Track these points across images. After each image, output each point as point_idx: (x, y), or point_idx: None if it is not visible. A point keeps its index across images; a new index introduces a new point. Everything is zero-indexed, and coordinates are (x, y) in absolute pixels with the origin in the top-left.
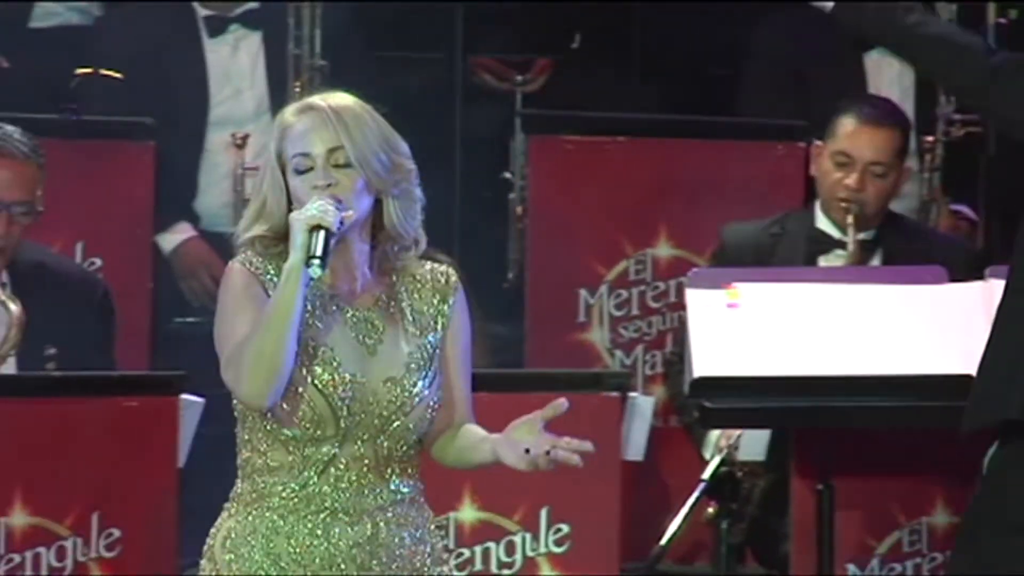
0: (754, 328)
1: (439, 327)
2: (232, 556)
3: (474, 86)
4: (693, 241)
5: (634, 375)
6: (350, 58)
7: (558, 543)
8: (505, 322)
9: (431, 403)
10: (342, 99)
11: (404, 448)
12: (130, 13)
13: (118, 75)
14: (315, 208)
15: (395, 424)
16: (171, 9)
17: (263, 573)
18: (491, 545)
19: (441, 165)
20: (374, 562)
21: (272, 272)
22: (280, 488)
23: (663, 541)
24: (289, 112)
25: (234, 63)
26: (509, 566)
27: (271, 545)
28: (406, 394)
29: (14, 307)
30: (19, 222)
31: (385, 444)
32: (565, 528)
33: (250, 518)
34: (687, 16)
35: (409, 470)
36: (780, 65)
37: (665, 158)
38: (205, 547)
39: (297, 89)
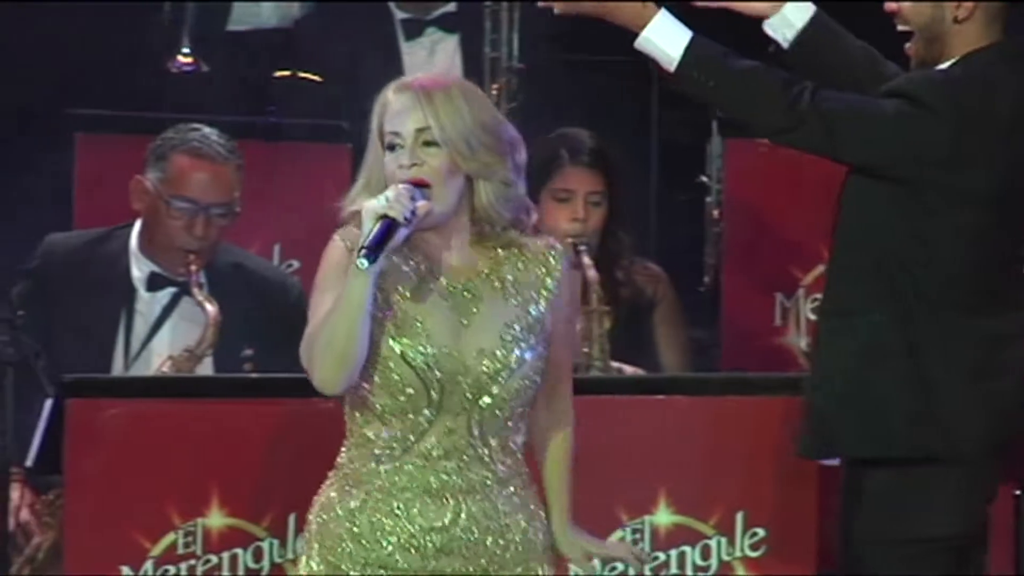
0: None
1: (542, 300)
2: (319, 524)
3: (670, 89)
4: None
5: None
6: (546, 61)
7: (754, 547)
8: (701, 326)
9: (529, 374)
10: (439, 79)
11: (500, 424)
12: (328, 16)
13: (316, 78)
14: (385, 197)
15: (488, 395)
16: (368, 12)
17: (344, 548)
18: (686, 549)
19: (637, 169)
20: (454, 546)
21: None
22: (369, 462)
23: None
24: (390, 89)
25: (431, 66)
26: (704, 570)
27: (354, 519)
28: (499, 364)
29: (210, 308)
30: (217, 223)
31: (480, 418)
32: (761, 532)
33: (340, 490)
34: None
35: (507, 451)
36: None
37: None
38: (309, 512)
39: (495, 92)
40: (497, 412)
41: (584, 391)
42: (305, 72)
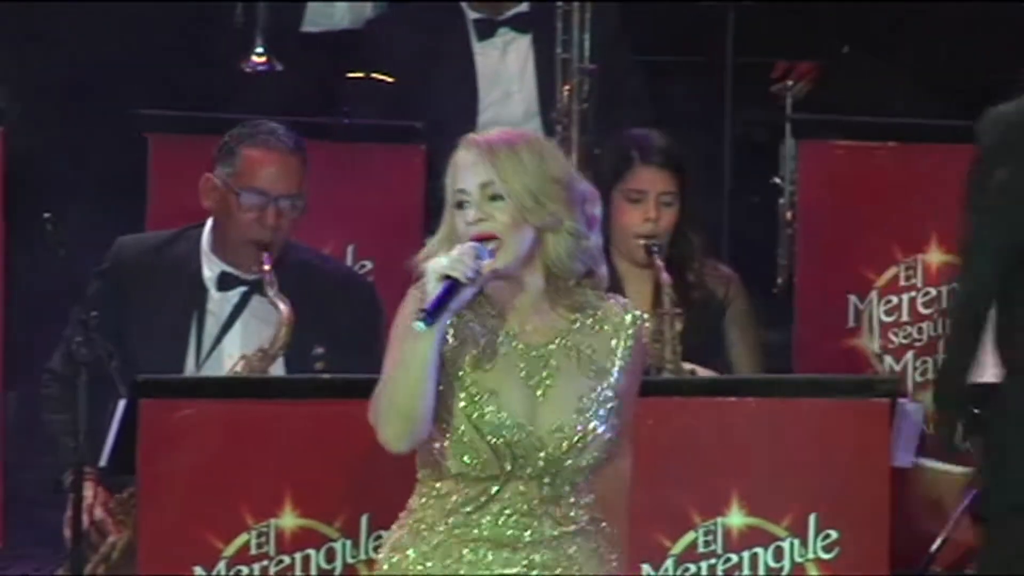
0: None
1: (615, 368)
2: (391, 564)
3: (744, 90)
4: None
5: (904, 381)
6: (616, 61)
7: (827, 549)
8: (774, 327)
9: (602, 447)
10: (506, 135)
11: (572, 486)
12: (401, 16)
13: (388, 79)
14: (448, 257)
15: (561, 468)
16: (441, 12)
17: None
18: (759, 550)
19: (710, 170)
20: None
21: None
22: (443, 514)
23: (934, 548)
24: (460, 146)
25: (503, 66)
26: (777, 572)
27: (426, 562)
28: (574, 439)
29: (283, 306)
30: (287, 215)
31: (552, 483)
32: (834, 534)
33: (412, 534)
34: (965, 17)
35: (580, 508)
36: None
37: (936, 164)
38: (380, 550)
39: (566, 92)
40: (569, 480)
41: (656, 393)
42: (378, 73)
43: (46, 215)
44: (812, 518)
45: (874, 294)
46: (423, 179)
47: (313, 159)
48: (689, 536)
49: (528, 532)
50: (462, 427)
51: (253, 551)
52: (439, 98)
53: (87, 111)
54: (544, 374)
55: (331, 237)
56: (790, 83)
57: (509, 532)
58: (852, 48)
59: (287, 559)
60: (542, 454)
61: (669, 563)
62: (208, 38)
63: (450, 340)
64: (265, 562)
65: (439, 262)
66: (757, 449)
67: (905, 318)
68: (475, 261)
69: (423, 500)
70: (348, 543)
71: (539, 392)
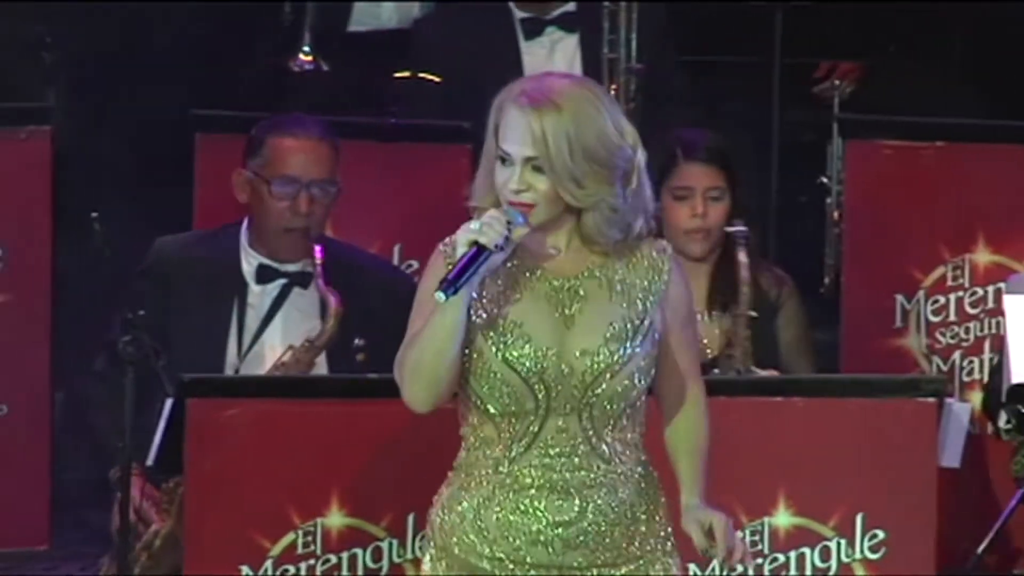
0: None
1: (649, 302)
2: (443, 521)
3: (791, 90)
4: (1012, 247)
5: (951, 381)
6: (663, 61)
7: (873, 549)
8: (822, 327)
9: (635, 372)
10: (555, 91)
11: (613, 420)
12: (448, 16)
13: (435, 78)
14: (479, 222)
15: (595, 395)
16: (488, 12)
17: (469, 543)
18: (806, 550)
19: (758, 170)
20: (580, 540)
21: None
22: (490, 462)
23: (981, 548)
24: (510, 94)
25: (550, 65)
26: (824, 572)
27: (478, 518)
28: (603, 363)
29: (333, 299)
30: (320, 201)
31: (590, 415)
32: (881, 534)
33: (463, 489)
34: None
35: (625, 443)
36: None
37: (984, 163)
38: (430, 511)
39: (613, 91)
40: (606, 409)
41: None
42: (425, 72)
43: (94, 215)
44: (859, 518)
45: (921, 294)
46: (470, 179)
47: (360, 159)
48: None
49: (577, 473)
50: (492, 363)
51: (300, 550)
52: (486, 98)
53: (135, 110)
54: (575, 305)
55: (378, 237)
56: (836, 82)
57: (556, 475)
58: (899, 48)
59: (334, 558)
60: (574, 381)
61: (716, 563)
62: (256, 37)
63: (480, 284)
64: (312, 561)
65: (469, 227)
66: (804, 449)
67: (952, 318)
68: (505, 226)
69: (467, 453)
70: (395, 542)
71: (568, 321)
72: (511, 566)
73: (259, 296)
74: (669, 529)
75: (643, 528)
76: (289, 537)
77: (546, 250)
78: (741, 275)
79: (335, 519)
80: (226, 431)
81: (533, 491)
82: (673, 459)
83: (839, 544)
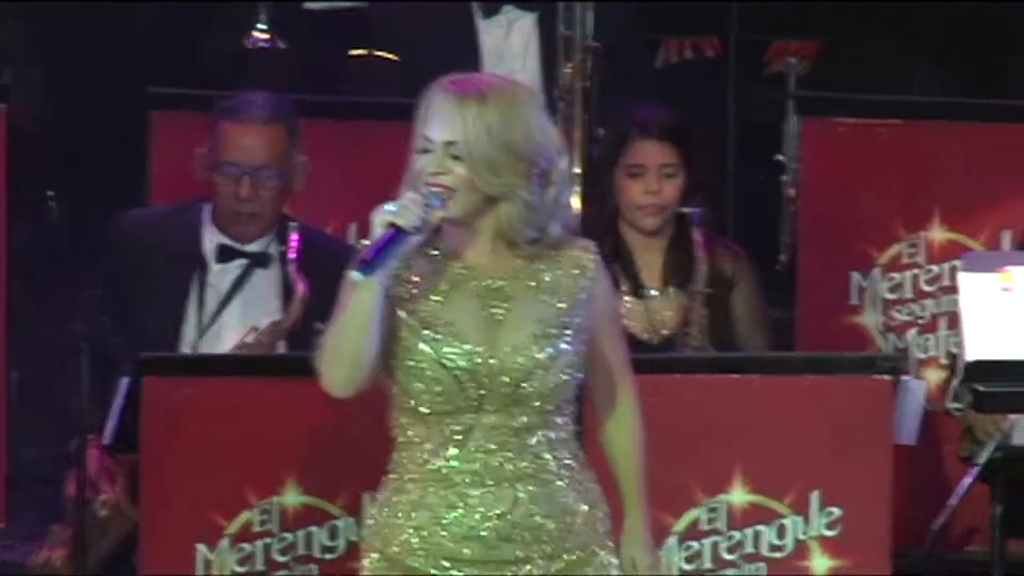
0: None
1: (577, 298)
2: (383, 524)
3: (748, 67)
4: (968, 224)
5: (907, 359)
6: (622, 39)
7: (829, 527)
8: (778, 304)
9: (566, 370)
10: (480, 85)
11: (543, 416)
12: None
13: (392, 56)
14: (396, 204)
15: (526, 392)
16: None
17: (405, 542)
18: (762, 528)
19: (714, 148)
20: (514, 532)
21: None
22: (421, 461)
23: (937, 526)
24: (441, 84)
25: (507, 44)
26: (780, 549)
27: (413, 514)
28: (532, 361)
29: (301, 285)
30: (266, 186)
31: (520, 413)
32: (837, 512)
33: (397, 490)
34: None
35: (557, 438)
36: None
37: (939, 141)
38: (367, 515)
39: (568, 70)
40: (537, 406)
41: (659, 370)
42: (381, 51)
43: (49, 193)
44: (815, 496)
45: (877, 271)
46: None
47: (316, 137)
48: (692, 514)
49: (508, 467)
50: (424, 363)
51: (256, 528)
52: (443, 76)
53: (89, 88)
54: (504, 305)
55: (334, 216)
56: (792, 60)
57: (488, 469)
58: (858, 26)
59: (290, 537)
60: (505, 378)
61: (672, 541)
62: (211, 14)
63: (404, 280)
64: (268, 539)
65: (386, 208)
66: (760, 427)
67: (908, 295)
68: (424, 209)
69: (399, 454)
70: (351, 520)
71: (497, 320)
72: (447, 564)
73: (219, 275)
74: (609, 525)
75: (580, 521)
76: (245, 515)
77: (471, 250)
78: (696, 254)
79: (291, 498)
80: (182, 410)
81: (465, 486)
82: (615, 471)
83: (795, 522)
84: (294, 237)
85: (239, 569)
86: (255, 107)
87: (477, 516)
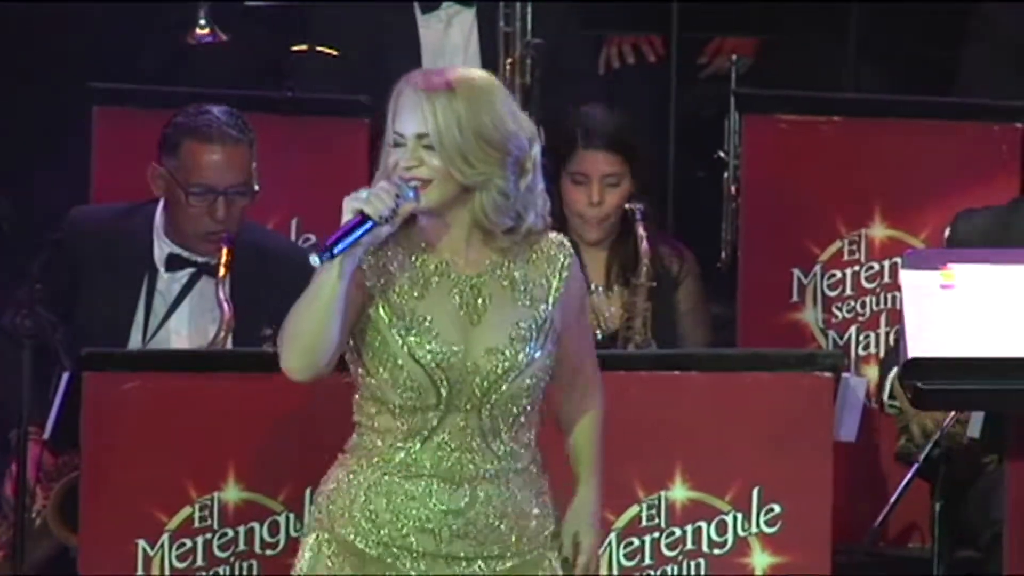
0: (969, 309)
1: (551, 298)
2: (335, 504)
3: (689, 64)
4: (908, 221)
5: (847, 355)
6: (564, 36)
7: (770, 523)
8: (719, 301)
9: (538, 373)
10: (448, 78)
11: (511, 419)
12: None
13: (333, 52)
14: (367, 191)
15: (497, 394)
16: None
17: (356, 526)
18: (702, 524)
19: (655, 145)
20: (467, 530)
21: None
22: (383, 449)
23: (877, 523)
24: (411, 79)
25: (447, 39)
26: (720, 546)
27: (368, 501)
28: (507, 364)
29: (227, 308)
30: (238, 204)
31: (490, 414)
32: (777, 508)
33: (353, 472)
34: None
35: (520, 442)
36: (1005, 43)
37: (880, 138)
38: (317, 492)
39: (508, 66)
40: (506, 408)
41: (602, 367)
42: (322, 46)
43: None
44: (755, 492)
45: (818, 268)
46: (367, 153)
47: (258, 132)
48: (633, 510)
49: (470, 466)
50: (398, 357)
51: (197, 524)
52: (383, 71)
53: (31, 83)
54: (479, 302)
55: (275, 211)
56: (733, 58)
57: (449, 466)
58: (798, 23)
59: (231, 532)
60: (477, 379)
61: (613, 537)
62: (152, 9)
63: (381, 273)
64: (209, 535)
65: (357, 195)
66: (701, 423)
67: (849, 292)
68: (394, 199)
69: (360, 437)
70: (292, 516)
71: (474, 319)
72: (396, 551)
73: (167, 283)
74: (554, 528)
75: (532, 524)
76: (186, 511)
77: (447, 243)
78: (641, 247)
79: (232, 493)
80: (123, 405)
81: (424, 479)
82: (571, 450)
83: (735, 518)
84: (224, 252)
85: (179, 565)
86: (223, 126)
87: (432, 510)
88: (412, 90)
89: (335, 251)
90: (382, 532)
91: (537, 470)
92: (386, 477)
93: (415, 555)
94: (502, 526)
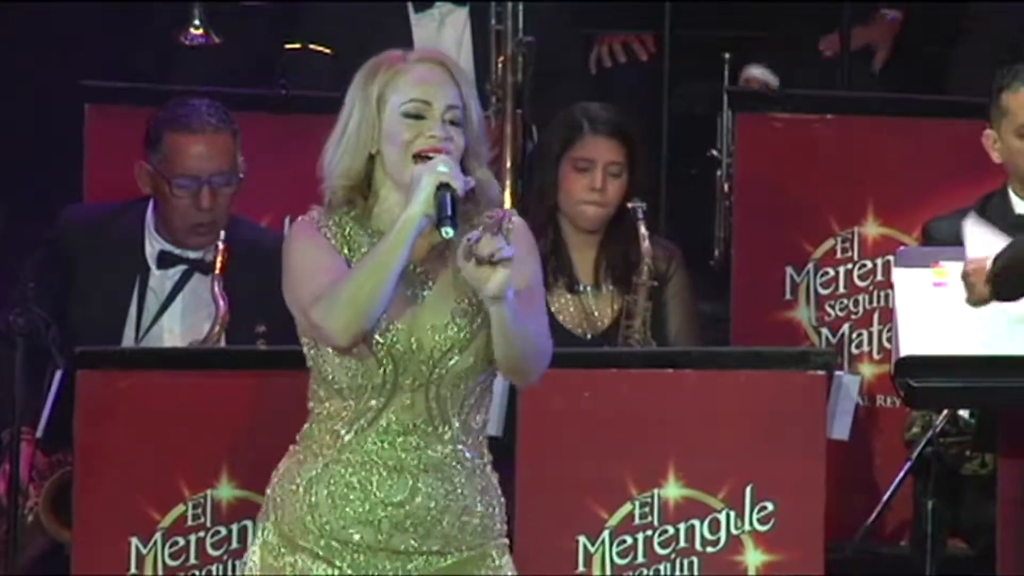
0: (962, 307)
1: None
2: (280, 495)
3: (682, 62)
4: (901, 219)
5: (840, 353)
6: (556, 34)
7: (763, 521)
8: (712, 299)
9: (482, 348)
10: (452, 61)
11: (460, 401)
12: None
13: (327, 50)
14: (445, 166)
15: (441, 370)
16: None
17: (298, 517)
18: (695, 522)
19: (648, 142)
20: (408, 523)
21: (329, 224)
22: (329, 436)
23: (869, 521)
24: (406, 58)
25: (440, 38)
26: (713, 544)
27: (309, 492)
28: (451, 339)
29: (222, 304)
30: (223, 193)
31: (437, 395)
32: (770, 506)
33: (299, 462)
34: None
35: (468, 429)
36: (997, 41)
37: (873, 136)
38: (268, 484)
39: (500, 64)
40: (454, 390)
41: (594, 364)
42: (315, 44)
43: None
44: (748, 490)
45: (811, 266)
46: None
47: (251, 131)
48: (626, 508)
49: (414, 453)
50: None
51: (190, 522)
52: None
53: (23, 80)
54: (422, 281)
55: (269, 209)
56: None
57: (391, 454)
58: (791, 22)
59: (223, 530)
60: (422, 356)
61: (606, 535)
62: (146, 9)
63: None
64: (201, 533)
65: (440, 169)
66: (694, 421)
67: (842, 290)
68: (461, 176)
69: (310, 426)
70: None
71: (419, 297)
72: (336, 545)
73: (160, 280)
74: (506, 532)
75: (476, 521)
76: (179, 509)
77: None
78: (643, 247)
79: (225, 491)
80: (116, 403)
81: (366, 468)
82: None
83: (728, 516)
84: (220, 248)
85: (172, 563)
86: (203, 115)
87: (374, 502)
88: (432, 63)
89: (456, 223)
90: (323, 524)
91: (485, 467)
92: (330, 466)
93: (355, 548)
94: (444, 521)
